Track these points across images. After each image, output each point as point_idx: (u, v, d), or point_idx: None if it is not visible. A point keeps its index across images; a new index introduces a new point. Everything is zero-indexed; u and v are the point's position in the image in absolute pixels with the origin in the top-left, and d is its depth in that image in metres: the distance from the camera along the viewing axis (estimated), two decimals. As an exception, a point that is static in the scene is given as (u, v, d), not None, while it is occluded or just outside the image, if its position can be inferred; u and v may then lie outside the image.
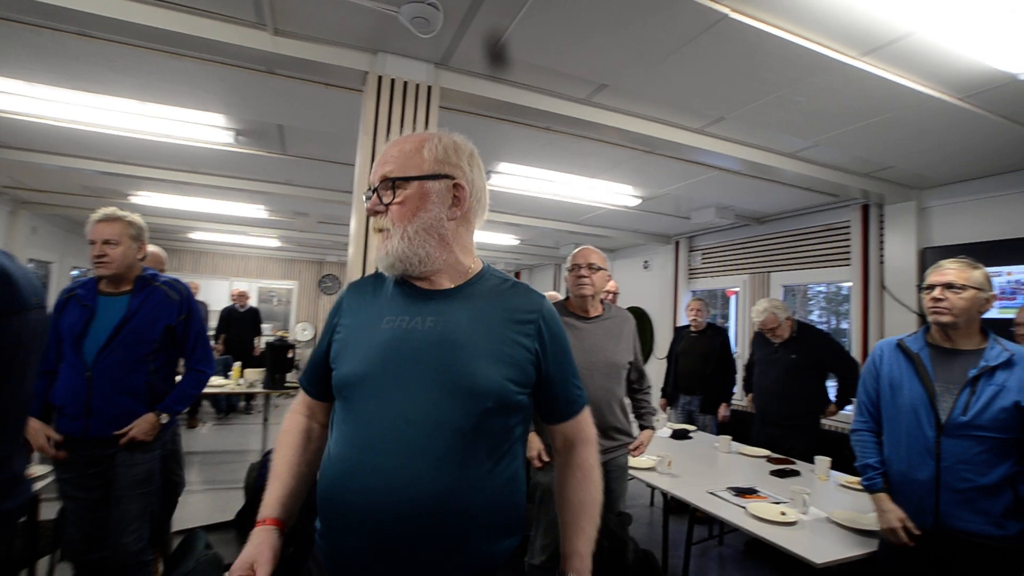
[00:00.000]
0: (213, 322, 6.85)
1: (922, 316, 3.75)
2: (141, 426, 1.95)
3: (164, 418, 2.02)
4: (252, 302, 7.63)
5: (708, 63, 2.21)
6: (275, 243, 8.62)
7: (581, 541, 1.00)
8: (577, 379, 1.07)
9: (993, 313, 3.23)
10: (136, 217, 2.10)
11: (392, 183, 0.96)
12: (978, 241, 3.54)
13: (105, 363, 1.92)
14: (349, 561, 0.90)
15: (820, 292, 6.56)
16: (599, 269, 2.16)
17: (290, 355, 4.66)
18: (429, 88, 2.39)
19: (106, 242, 1.99)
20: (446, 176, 0.97)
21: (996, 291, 3.54)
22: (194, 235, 7.91)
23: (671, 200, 4.77)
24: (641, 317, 6.75)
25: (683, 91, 2.49)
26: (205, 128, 3.33)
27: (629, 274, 7.19)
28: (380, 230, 0.98)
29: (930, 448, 1.69)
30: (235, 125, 3.36)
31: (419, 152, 0.97)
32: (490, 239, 7.13)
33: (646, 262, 6.87)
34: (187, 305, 2.13)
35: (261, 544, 0.89)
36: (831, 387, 3.60)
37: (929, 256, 3.78)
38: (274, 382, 4.52)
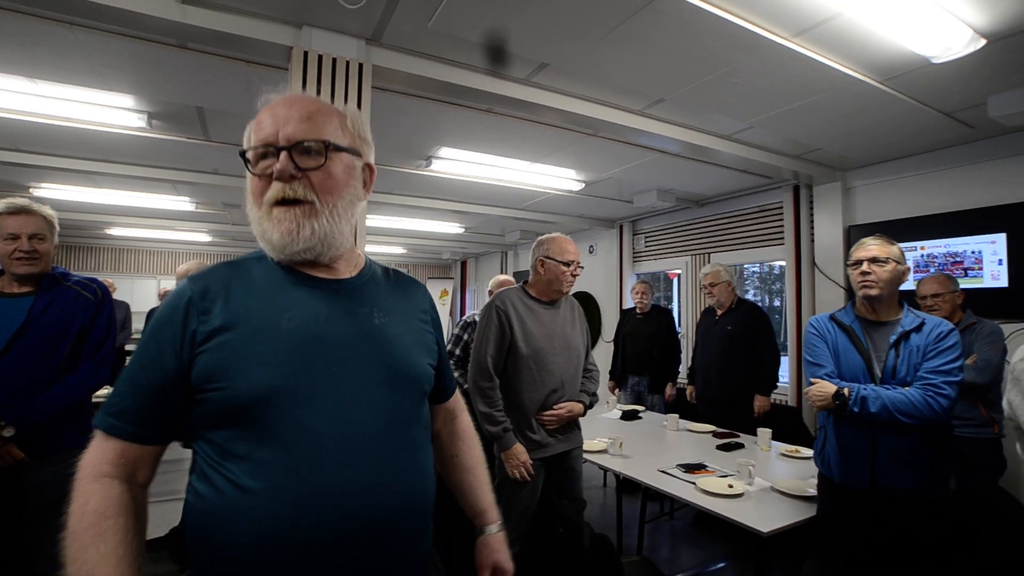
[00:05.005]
0: (138, 324, 6.35)
1: (849, 291, 3.97)
2: None
3: (8, 431, 1.65)
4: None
5: (648, 41, 2.19)
6: (206, 238, 8.09)
7: (488, 494, 1.11)
8: None
9: (909, 285, 3.46)
10: (49, 210, 1.90)
11: (325, 147, 0.81)
12: (896, 219, 3.77)
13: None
14: None
15: (754, 272, 6.86)
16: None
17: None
18: (360, 66, 2.25)
19: (33, 236, 1.79)
20: (359, 154, 0.90)
21: (911, 264, 3.79)
22: (113, 231, 7.28)
23: (614, 184, 4.80)
24: (589, 301, 6.82)
25: (624, 70, 2.47)
26: (112, 110, 3.00)
27: (576, 259, 7.25)
28: (294, 201, 0.80)
29: None
30: (147, 107, 3.06)
31: (339, 119, 0.87)
32: (435, 228, 6.97)
33: (592, 246, 6.93)
34: (102, 306, 1.92)
35: None
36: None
37: (854, 234, 3.99)
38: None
